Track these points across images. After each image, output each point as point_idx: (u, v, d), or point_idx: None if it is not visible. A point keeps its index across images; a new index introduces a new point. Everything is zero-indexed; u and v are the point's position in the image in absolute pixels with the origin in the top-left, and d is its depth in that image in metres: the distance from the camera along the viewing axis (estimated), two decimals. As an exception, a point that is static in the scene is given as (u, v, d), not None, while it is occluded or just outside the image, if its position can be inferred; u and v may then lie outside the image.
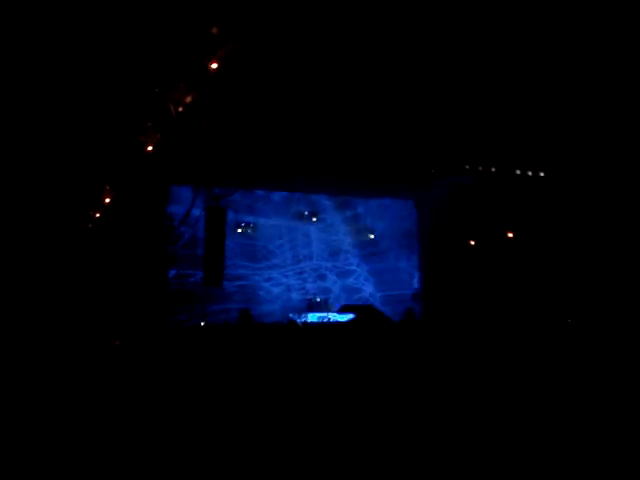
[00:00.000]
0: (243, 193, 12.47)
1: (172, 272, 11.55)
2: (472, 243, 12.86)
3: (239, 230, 12.77)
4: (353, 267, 13.98)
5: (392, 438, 3.88)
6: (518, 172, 11.43)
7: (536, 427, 4.06)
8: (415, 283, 14.14)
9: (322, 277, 13.63)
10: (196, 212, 11.55)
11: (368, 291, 13.97)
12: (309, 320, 11.79)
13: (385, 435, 3.94)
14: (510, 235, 12.51)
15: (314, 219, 13.68)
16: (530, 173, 11.44)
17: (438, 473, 3.37)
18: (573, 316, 10.06)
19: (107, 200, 10.19)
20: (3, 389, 4.90)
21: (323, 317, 11.91)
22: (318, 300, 12.99)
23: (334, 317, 12.06)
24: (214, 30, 7.41)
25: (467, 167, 11.45)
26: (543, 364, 6.25)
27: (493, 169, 11.47)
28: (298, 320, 11.91)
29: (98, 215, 10.37)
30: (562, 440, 3.81)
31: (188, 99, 8.44)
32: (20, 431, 3.92)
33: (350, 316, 12.32)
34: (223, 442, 3.83)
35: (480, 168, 11.47)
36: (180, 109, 8.54)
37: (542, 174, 11.42)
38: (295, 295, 13.26)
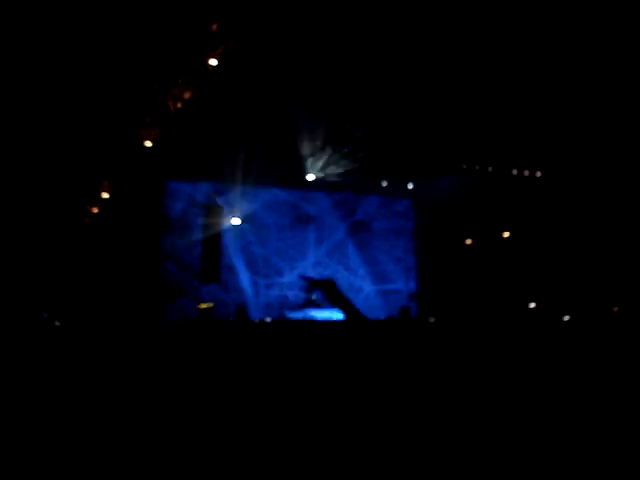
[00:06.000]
0: (241, 190, 12.47)
1: (170, 266, 11.57)
2: (469, 242, 12.91)
3: (236, 227, 12.76)
4: (352, 265, 14.00)
5: (389, 437, 3.90)
6: (515, 172, 11.48)
7: (535, 427, 4.07)
8: (412, 282, 14.18)
9: (320, 274, 13.65)
10: (194, 208, 11.58)
11: (366, 289, 14.00)
12: (305, 316, 11.83)
13: (382, 434, 3.96)
14: (507, 235, 12.56)
15: (312, 218, 13.66)
16: (527, 173, 11.49)
17: (434, 474, 3.39)
18: (571, 315, 10.10)
19: (105, 195, 10.22)
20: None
21: (319, 314, 11.96)
22: (314, 297, 13.02)
23: (330, 314, 12.11)
24: (214, 27, 7.44)
25: (464, 166, 11.49)
26: (541, 364, 6.26)
27: (490, 168, 11.52)
28: (294, 316, 11.96)
29: (95, 210, 10.40)
30: (562, 440, 3.83)
31: (187, 95, 8.47)
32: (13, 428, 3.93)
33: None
34: (212, 442, 3.84)
35: (477, 167, 11.51)
36: (179, 105, 8.58)
37: (539, 174, 11.47)
38: (292, 292, 13.28)
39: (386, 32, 7.35)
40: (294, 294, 13.18)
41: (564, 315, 10.16)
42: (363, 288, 13.95)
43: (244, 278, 12.72)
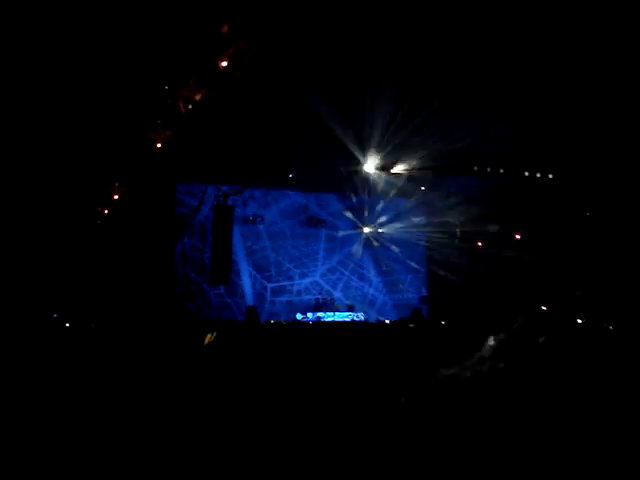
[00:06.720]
0: (253, 192, 12.44)
1: (179, 268, 11.56)
2: (480, 244, 12.82)
3: (247, 229, 12.71)
4: (362, 270, 13.87)
5: (394, 438, 3.84)
6: (527, 174, 11.39)
7: (539, 429, 4.00)
8: (423, 287, 14.05)
9: (330, 279, 13.55)
10: (205, 209, 11.57)
11: (378, 295, 13.87)
12: (316, 319, 11.82)
13: (387, 435, 3.90)
14: (518, 237, 12.47)
15: (324, 222, 13.52)
16: (539, 175, 11.40)
17: (440, 474, 3.33)
18: (583, 317, 9.98)
19: (116, 196, 10.26)
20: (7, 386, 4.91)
21: (329, 316, 11.95)
22: (325, 300, 12.98)
23: (339, 316, 12.09)
24: (225, 28, 7.44)
25: (475, 168, 11.41)
26: (549, 366, 6.18)
27: (501, 170, 11.43)
28: (305, 319, 11.94)
29: (106, 211, 10.43)
30: (565, 441, 3.75)
31: (198, 97, 8.48)
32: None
33: (353, 315, 12.32)
34: (219, 442, 3.80)
35: (488, 169, 11.43)
36: (189, 107, 8.59)
37: (551, 176, 11.38)
38: (302, 296, 13.19)
39: (395, 28, 7.32)
40: (302, 299, 13.04)
41: (574, 319, 10.04)
42: (377, 298, 13.77)
43: (251, 282, 12.62)
